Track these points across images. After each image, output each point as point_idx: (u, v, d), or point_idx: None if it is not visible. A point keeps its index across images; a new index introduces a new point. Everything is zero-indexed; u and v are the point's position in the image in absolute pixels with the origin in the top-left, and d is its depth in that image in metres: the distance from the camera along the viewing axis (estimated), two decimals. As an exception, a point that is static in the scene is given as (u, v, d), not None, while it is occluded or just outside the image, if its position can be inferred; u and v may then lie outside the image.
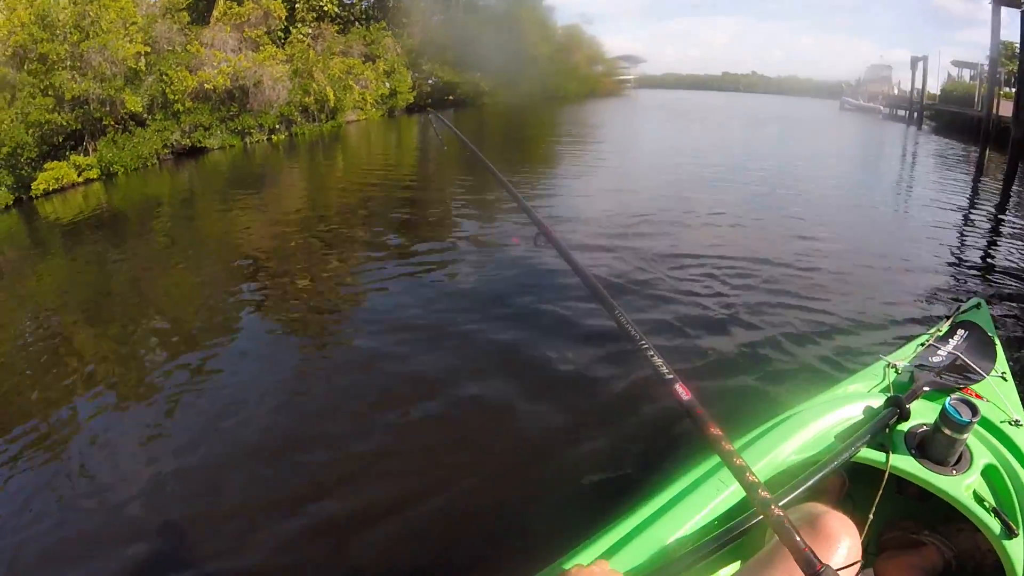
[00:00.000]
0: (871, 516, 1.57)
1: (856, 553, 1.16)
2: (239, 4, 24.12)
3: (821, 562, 0.72)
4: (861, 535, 1.44)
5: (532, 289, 5.96)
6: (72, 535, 3.15)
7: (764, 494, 0.80)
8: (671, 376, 0.76)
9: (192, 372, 4.81)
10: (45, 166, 15.44)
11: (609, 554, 1.34)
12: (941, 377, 1.97)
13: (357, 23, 31.99)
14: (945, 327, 2.46)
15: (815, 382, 3.70)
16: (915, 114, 32.94)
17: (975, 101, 26.71)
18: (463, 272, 6.78)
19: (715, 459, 1.55)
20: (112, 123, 17.89)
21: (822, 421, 1.73)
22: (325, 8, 28.71)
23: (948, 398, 1.52)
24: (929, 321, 4.73)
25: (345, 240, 8.64)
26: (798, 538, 0.77)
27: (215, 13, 23.48)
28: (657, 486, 1.60)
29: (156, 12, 20.98)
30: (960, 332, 2.31)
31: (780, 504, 1.18)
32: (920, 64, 33.03)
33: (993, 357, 2.17)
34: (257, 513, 3.15)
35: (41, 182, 15.01)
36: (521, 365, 4.48)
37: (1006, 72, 25.26)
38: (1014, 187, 12.10)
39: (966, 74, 35.51)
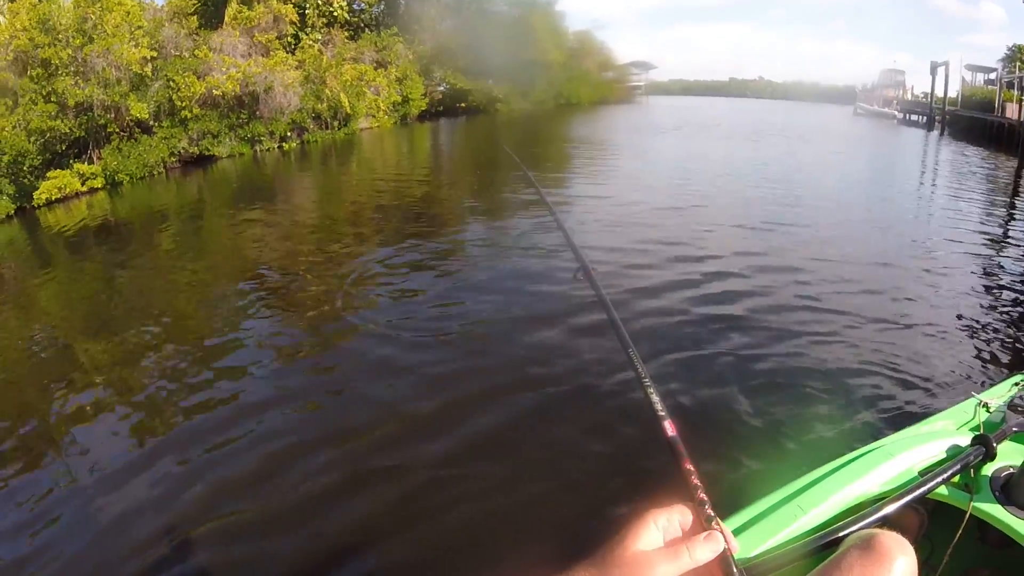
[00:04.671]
0: (947, 557, 1.54)
1: (912, 575, 1.07)
2: (249, 8, 23.50)
3: None
4: None
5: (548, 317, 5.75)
6: (74, 552, 3.09)
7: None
8: (663, 413, 0.87)
9: (198, 389, 4.68)
10: (48, 175, 14.79)
11: None
12: None
13: (368, 29, 31.40)
14: None
15: (902, 417, 3.72)
16: (934, 119, 32.55)
17: (995, 107, 26.27)
18: (475, 291, 6.53)
19: (780, 495, 1.61)
20: (117, 130, 17.17)
21: (906, 456, 1.69)
22: (335, 14, 28.12)
23: None
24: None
25: (358, 254, 8.19)
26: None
27: (226, 17, 22.81)
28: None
29: (163, 16, 20.37)
30: None
31: (847, 532, 1.27)
32: (941, 70, 32.54)
33: None
34: (257, 526, 3.14)
35: (43, 191, 14.37)
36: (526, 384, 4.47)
37: None
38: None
39: (979, 78, 35.17)
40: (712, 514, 0.74)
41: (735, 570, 0.73)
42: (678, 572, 0.69)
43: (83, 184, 15.31)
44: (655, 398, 0.90)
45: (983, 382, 4.25)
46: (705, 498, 0.76)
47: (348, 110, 24.84)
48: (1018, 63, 31.81)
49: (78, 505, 3.41)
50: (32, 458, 3.97)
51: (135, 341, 5.77)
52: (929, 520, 1.78)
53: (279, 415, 4.20)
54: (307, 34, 26.07)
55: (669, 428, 0.85)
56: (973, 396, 2.09)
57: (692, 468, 0.80)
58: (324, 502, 3.25)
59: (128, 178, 16.42)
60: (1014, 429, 1.76)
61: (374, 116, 28.05)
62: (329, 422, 4.10)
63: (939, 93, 33.67)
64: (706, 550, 0.70)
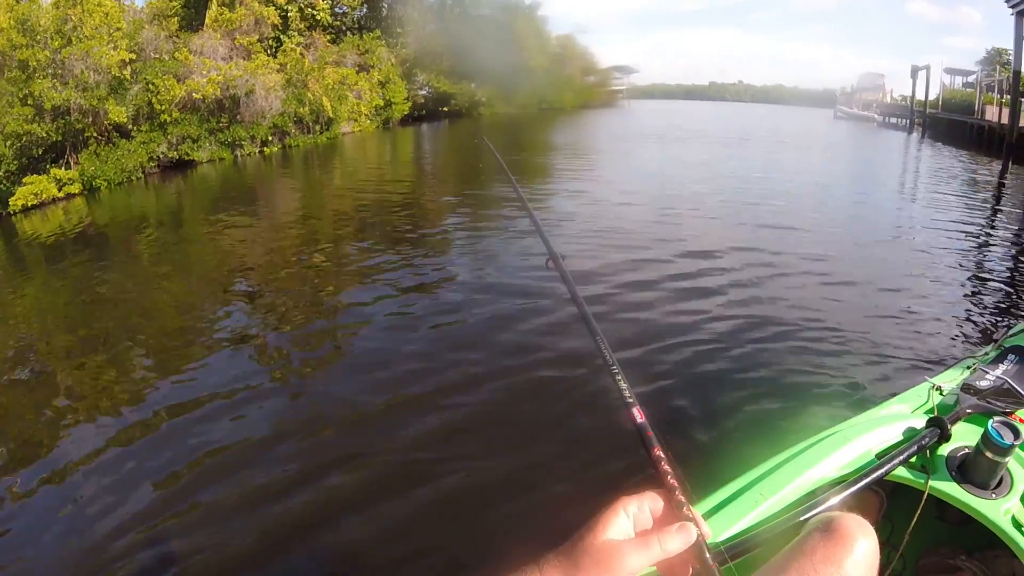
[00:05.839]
0: (907, 536, 1.57)
1: (873, 556, 1.10)
2: (231, 10, 23.29)
3: None
4: (896, 556, 1.63)
5: (527, 313, 5.81)
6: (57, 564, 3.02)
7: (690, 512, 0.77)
8: (631, 400, 0.86)
9: (179, 401, 4.54)
10: (24, 180, 14.56)
11: None
12: (987, 401, 1.90)
13: (350, 32, 31.26)
14: (993, 351, 2.37)
15: (860, 401, 3.81)
16: (913, 122, 33.19)
17: (975, 110, 26.83)
18: (457, 296, 6.55)
19: (740, 482, 1.65)
20: (95, 134, 16.95)
21: (863, 439, 1.72)
22: (318, 17, 27.96)
23: (991, 420, 1.49)
24: (976, 344, 4.81)
25: (341, 263, 8.17)
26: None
27: (207, 19, 22.60)
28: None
29: (143, 18, 20.13)
30: (1010, 357, 2.20)
31: (808, 516, 1.29)
32: (921, 74, 33.06)
33: None
34: (243, 539, 3.06)
35: (19, 197, 14.13)
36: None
37: (1007, 79, 25.22)
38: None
39: (958, 81, 35.79)
40: (683, 500, 0.75)
41: (707, 555, 0.73)
42: (649, 562, 0.70)
43: (60, 190, 15.07)
44: (623, 385, 0.89)
45: (936, 366, 4.28)
46: (676, 484, 0.76)
47: (330, 114, 24.70)
48: (998, 66, 32.33)
49: (51, 513, 3.40)
50: (3, 465, 3.96)
51: (112, 351, 5.72)
52: (888, 501, 1.85)
53: (257, 416, 4.22)
54: (289, 37, 25.90)
55: (638, 415, 0.84)
56: (926, 380, 2.15)
57: (662, 454, 0.79)
58: (295, 496, 3.31)
59: (106, 184, 16.16)
60: (967, 411, 1.82)
61: (356, 120, 27.93)
62: (302, 418, 4.18)
63: (919, 96, 34.27)
64: (677, 541, 0.71)
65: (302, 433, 3.94)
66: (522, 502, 3.17)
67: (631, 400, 0.86)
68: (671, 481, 0.76)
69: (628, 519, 0.73)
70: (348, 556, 2.94)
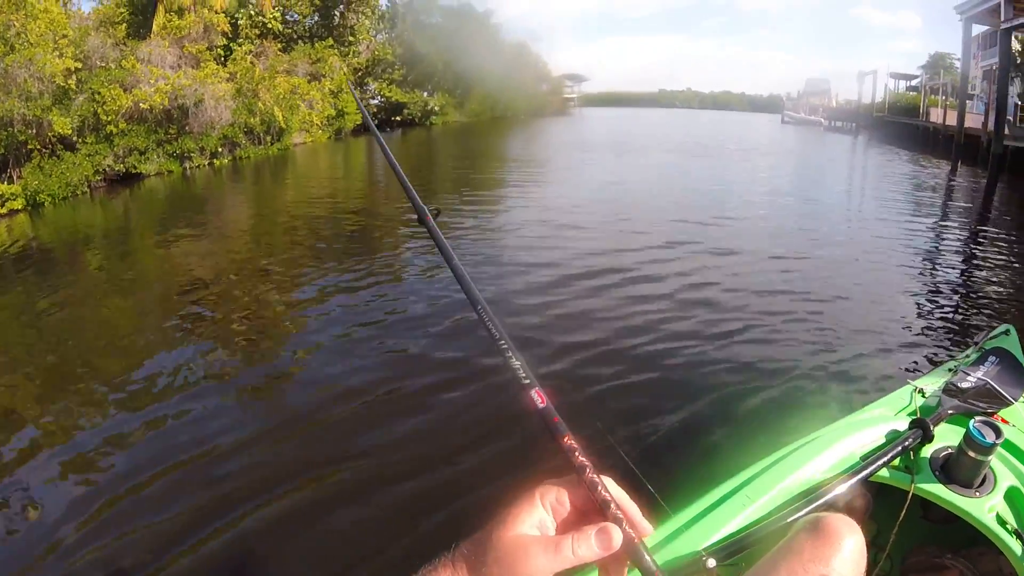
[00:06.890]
0: (893, 536, 1.61)
1: (861, 554, 1.13)
2: (179, 17, 22.91)
3: None
4: (883, 556, 1.66)
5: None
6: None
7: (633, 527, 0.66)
8: (528, 381, 0.71)
9: (128, 422, 4.51)
10: (-36, 197, 14.06)
11: None
12: (968, 402, 1.95)
13: (301, 41, 31.00)
14: (974, 353, 2.43)
15: (842, 406, 3.84)
16: (859, 125, 34.80)
17: (920, 112, 28.53)
18: (386, 301, 6.89)
19: (727, 486, 1.68)
20: (39, 147, 16.46)
21: (847, 442, 1.76)
22: (269, 25, 27.68)
23: (972, 420, 1.54)
24: (956, 347, 4.94)
25: (293, 277, 8.28)
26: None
27: (155, 26, 22.16)
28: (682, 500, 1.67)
29: (90, 25, 19.65)
30: (991, 359, 2.27)
31: (795, 516, 1.32)
32: (868, 78, 34.73)
33: (1023, 384, 2.14)
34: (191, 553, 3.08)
35: (-41, 215, 13.65)
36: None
37: (952, 82, 26.78)
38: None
39: (902, 85, 37.68)
40: (609, 498, 0.63)
41: (647, 558, 0.62)
42: (558, 567, 0.60)
43: (2, 206, 14.64)
44: (516, 363, 0.74)
45: (918, 371, 4.48)
46: (597, 480, 0.64)
47: (282, 124, 24.45)
48: (941, 70, 34.12)
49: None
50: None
51: (56, 372, 5.67)
52: (873, 502, 1.90)
53: (187, 435, 4.28)
54: (239, 45, 25.56)
55: (538, 398, 0.70)
56: (908, 383, 2.20)
57: (575, 444, 0.67)
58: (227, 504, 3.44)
59: (50, 199, 15.67)
60: (949, 412, 1.86)
61: (308, 131, 27.71)
62: (226, 434, 4.26)
63: (865, 100, 35.99)
64: (594, 546, 0.60)
65: (230, 449, 4.05)
66: (437, 493, 3.33)
67: (528, 381, 0.72)
68: (590, 476, 0.64)
69: (546, 511, 0.64)
70: (247, 554, 3.05)
